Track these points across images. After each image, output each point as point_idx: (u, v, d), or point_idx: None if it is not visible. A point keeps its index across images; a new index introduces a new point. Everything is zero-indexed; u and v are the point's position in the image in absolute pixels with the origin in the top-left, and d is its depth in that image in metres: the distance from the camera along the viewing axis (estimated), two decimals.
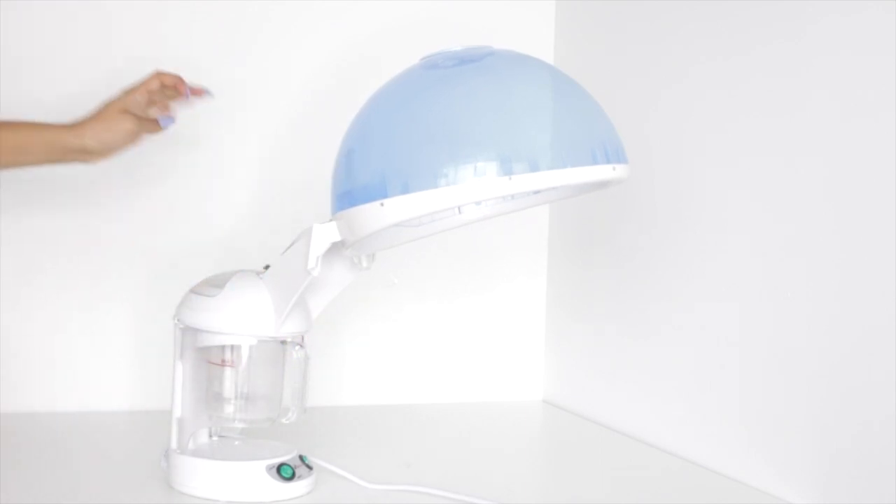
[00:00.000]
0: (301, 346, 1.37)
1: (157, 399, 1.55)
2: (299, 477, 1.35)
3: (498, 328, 1.91)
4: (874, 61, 1.27)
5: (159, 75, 1.44)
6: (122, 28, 1.71)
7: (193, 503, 1.32)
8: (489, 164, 1.16)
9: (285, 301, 1.33)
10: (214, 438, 1.41)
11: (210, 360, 1.37)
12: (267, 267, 1.36)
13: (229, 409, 1.37)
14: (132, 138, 1.44)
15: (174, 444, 1.37)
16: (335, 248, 1.29)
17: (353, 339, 1.82)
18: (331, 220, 1.27)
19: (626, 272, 1.71)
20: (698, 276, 1.56)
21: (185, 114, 1.74)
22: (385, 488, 1.38)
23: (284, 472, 1.34)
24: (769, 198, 1.43)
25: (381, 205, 1.19)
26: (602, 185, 1.28)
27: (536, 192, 1.31)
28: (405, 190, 1.18)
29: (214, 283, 1.36)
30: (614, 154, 1.21)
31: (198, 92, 1.46)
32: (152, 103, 1.43)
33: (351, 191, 1.23)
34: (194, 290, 1.37)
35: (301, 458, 1.37)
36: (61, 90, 1.69)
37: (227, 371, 1.36)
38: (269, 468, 1.33)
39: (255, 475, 1.33)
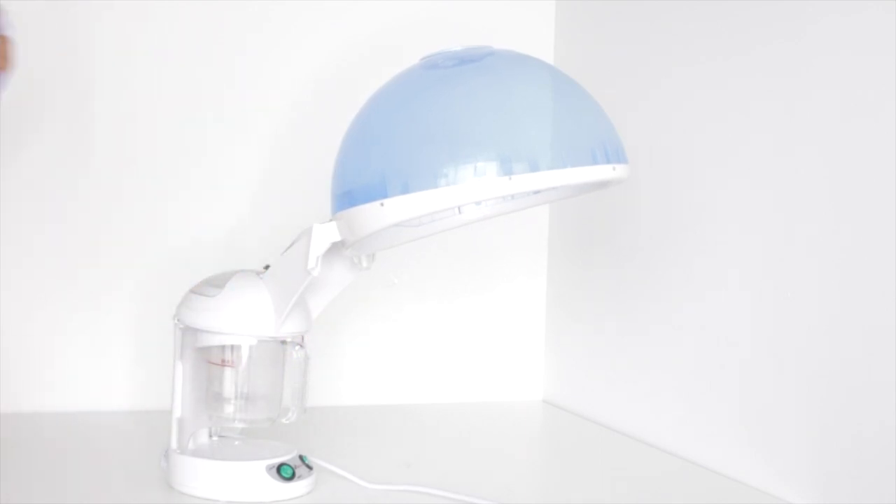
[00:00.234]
0: (301, 346, 1.37)
1: (157, 399, 1.55)
2: (299, 477, 1.35)
3: (498, 328, 1.91)
4: (875, 60, 1.27)
5: None
6: (117, 26, 1.71)
7: (193, 503, 1.32)
8: (489, 164, 1.16)
9: (285, 301, 1.33)
10: (214, 438, 1.41)
11: (210, 360, 1.37)
12: (267, 267, 1.36)
13: (229, 409, 1.37)
14: None
15: (174, 444, 1.37)
16: (335, 248, 1.29)
17: (353, 339, 1.82)
18: (331, 220, 1.27)
19: (627, 272, 1.71)
20: (698, 276, 1.56)
21: (184, 113, 1.75)
22: (385, 488, 1.38)
23: (284, 472, 1.34)
24: (770, 198, 1.43)
25: (381, 205, 1.19)
26: (602, 185, 1.28)
27: (536, 193, 1.31)
28: (405, 190, 1.18)
29: (214, 283, 1.36)
30: (614, 154, 1.21)
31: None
32: None
33: (351, 191, 1.23)
34: (194, 290, 1.37)
35: (301, 458, 1.37)
36: (59, 88, 1.69)
37: (227, 371, 1.36)
38: (269, 468, 1.33)
39: (254, 475, 1.33)
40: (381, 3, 1.81)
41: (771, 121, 1.42)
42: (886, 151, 1.25)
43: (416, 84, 1.25)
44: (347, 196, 1.23)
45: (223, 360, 1.36)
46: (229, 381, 1.36)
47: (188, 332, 1.37)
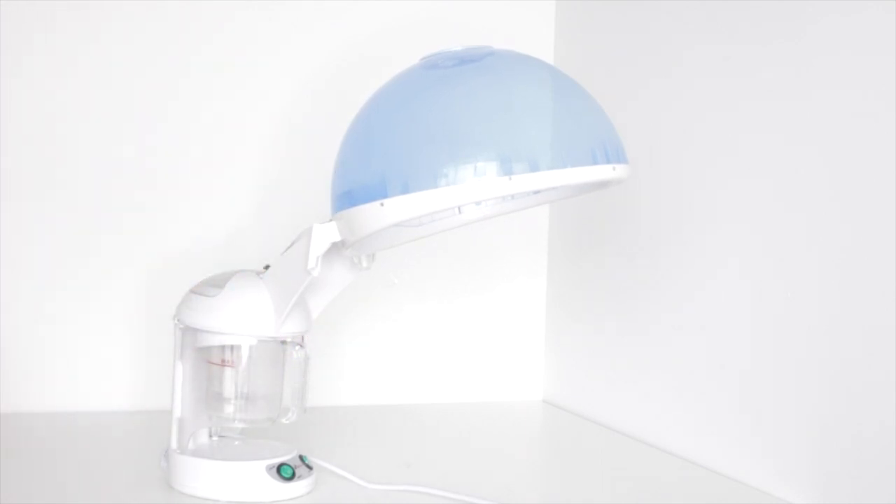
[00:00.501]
0: (301, 346, 1.37)
1: (157, 399, 1.55)
2: (299, 477, 1.35)
3: (498, 328, 1.91)
4: (876, 56, 1.27)
5: None
6: (116, 26, 1.71)
7: (193, 503, 1.32)
8: (489, 164, 1.16)
9: (285, 301, 1.33)
10: (214, 438, 1.41)
11: (210, 360, 1.37)
12: (267, 267, 1.36)
13: (229, 409, 1.37)
14: None
15: (174, 444, 1.37)
16: (335, 248, 1.29)
17: (353, 339, 1.83)
18: (331, 220, 1.27)
19: (627, 272, 1.71)
20: (698, 276, 1.56)
21: (184, 114, 1.75)
22: (385, 488, 1.38)
23: (284, 472, 1.34)
24: (771, 198, 1.42)
25: (381, 205, 1.19)
26: (602, 185, 1.28)
27: (536, 193, 1.31)
28: (405, 190, 1.18)
29: (214, 283, 1.36)
30: (614, 154, 1.21)
31: None
32: None
33: (351, 191, 1.23)
34: (194, 290, 1.37)
35: (301, 458, 1.37)
36: (61, 87, 1.69)
37: (227, 371, 1.36)
38: (268, 468, 1.33)
39: (254, 475, 1.33)
40: (380, 3, 1.81)
41: (771, 121, 1.42)
42: (888, 149, 1.25)
43: (416, 84, 1.25)
44: (347, 196, 1.23)
45: (223, 360, 1.36)
46: (229, 381, 1.36)
47: (188, 332, 1.37)
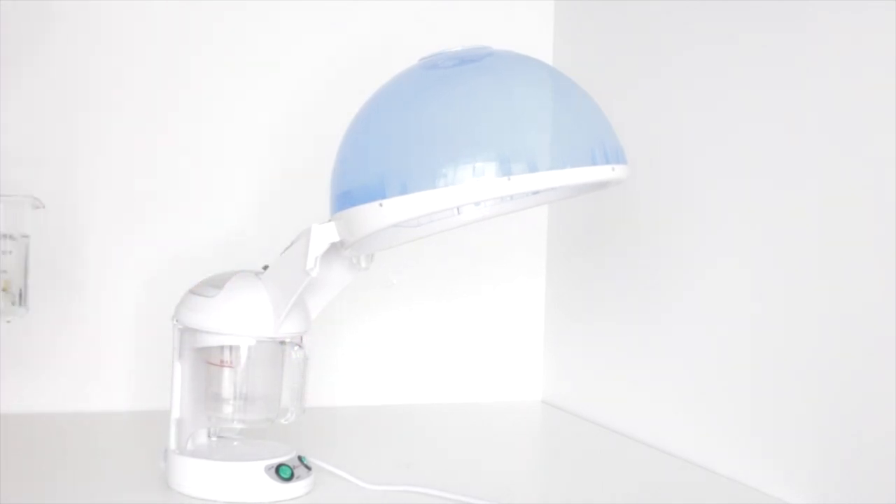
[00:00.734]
0: (300, 346, 1.36)
1: (156, 399, 1.55)
2: (298, 477, 1.35)
3: (497, 328, 1.91)
4: (874, 51, 1.27)
5: None
6: (114, 28, 1.71)
7: (192, 503, 1.32)
8: (488, 165, 1.16)
9: (284, 301, 1.33)
10: (213, 439, 1.41)
11: (209, 361, 1.37)
12: (266, 267, 1.36)
13: (228, 409, 1.37)
14: None
15: (173, 445, 1.37)
16: (334, 249, 1.29)
17: (352, 339, 1.83)
18: (330, 221, 1.27)
19: (626, 273, 1.71)
20: (698, 277, 1.56)
21: (184, 113, 1.75)
22: (384, 489, 1.38)
23: (283, 473, 1.33)
24: (772, 198, 1.42)
25: (380, 205, 1.19)
26: (601, 185, 1.28)
27: (535, 193, 1.31)
28: (404, 190, 1.18)
29: (213, 284, 1.36)
30: (613, 154, 1.21)
31: None
32: None
33: (350, 191, 1.23)
34: (193, 291, 1.37)
35: (300, 458, 1.37)
36: (60, 87, 1.69)
37: (226, 371, 1.36)
38: (267, 469, 1.33)
39: (253, 476, 1.33)
40: (380, 3, 1.81)
41: (771, 121, 1.42)
42: (888, 144, 1.25)
43: (415, 84, 1.25)
44: (346, 196, 1.23)
45: (222, 361, 1.36)
46: (228, 382, 1.36)
47: (187, 333, 1.37)
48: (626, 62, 1.73)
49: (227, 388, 1.36)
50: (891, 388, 1.24)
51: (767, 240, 1.42)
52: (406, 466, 1.50)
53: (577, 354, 1.84)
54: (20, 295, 1.28)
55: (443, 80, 1.23)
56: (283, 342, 1.36)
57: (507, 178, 1.16)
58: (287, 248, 1.33)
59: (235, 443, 1.41)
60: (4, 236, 1.26)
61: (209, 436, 1.41)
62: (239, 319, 1.34)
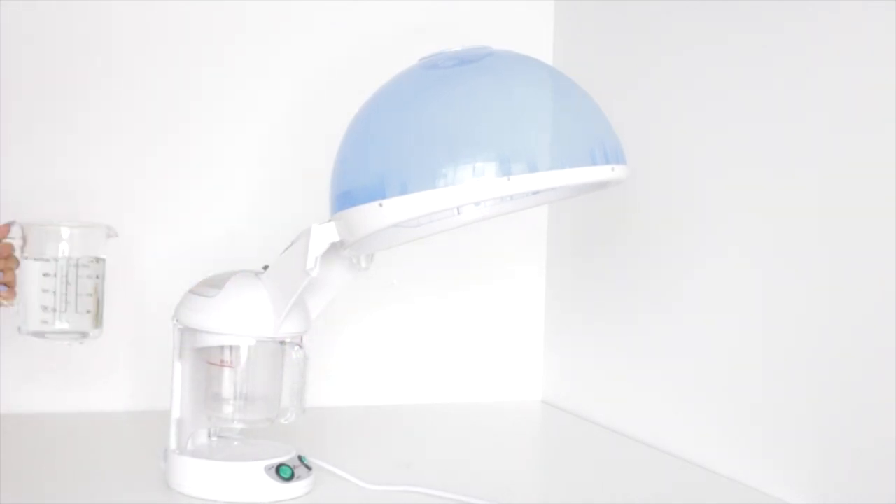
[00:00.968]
0: (300, 346, 1.36)
1: (156, 399, 1.55)
2: (298, 477, 1.35)
3: (497, 329, 1.91)
4: (874, 73, 1.27)
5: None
6: (113, 28, 1.71)
7: (192, 503, 1.32)
8: (488, 165, 1.16)
9: (284, 301, 1.33)
10: (213, 439, 1.41)
11: (209, 361, 1.37)
12: (266, 267, 1.36)
13: (228, 409, 1.37)
14: None
15: (173, 445, 1.37)
16: (334, 249, 1.29)
17: (352, 339, 1.82)
18: (330, 221, 1.27)
19: (626, 273, 1.71)
20: (697, 277, 1.55)
21: (185, 113, 1.75)
22: (384, 489, 1.38)
23: (283, 473, 1.33)
24: (773, 197, 1.42)
25: (380, 205, 1.19)
26: (601, 185, 1.28)
27: (535, 193, 1.31)
28: (404, 190, 1.18)
29: (213, 284, 1.36)
30: (613, 154, 1.21)
31: None
32: None
33: (350, 191, 1.23)
34: (193, 291, 1.37)
35: (300, 458, 1.37)
36: (59, 87, 1.69)
37: (226, 371, 1.36)
38: (267, 468, 1.33)
39: (253, 475, 1.33)
40: (380, 3, 1.81)
41: (771, 120, 1.42)
42: (890, 145, 1.25)
43: (415, 84, 1.25)
44: (346, 196, 1.23)
45: (222, 361, 1.36)
46: (228, 382, 1.36)
47: (187, 333, 1.37)
48: (626, 62, 1.72)
49: (227, 388, 1.36)
50: (891, 388, 1.24)
51: (768, 239, 1.42)
52: (406, 466, 1.50)
53: (577, 354, 1.84)
54: (99, 316, 1.35)
55: (443, 80, 1.23)
56: (283, 342, 1.36)
57: (507, 178, 1.16)
58: (287, 248, 1.33)
59: (235, 443, 1.41)
60: (94, 260, 1.33)
61: (209, 436, 1.41)
62: (239, 319, 1.34)
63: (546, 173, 1.17)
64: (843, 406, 1.31)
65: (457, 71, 1.24)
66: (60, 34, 1.69)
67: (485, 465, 1.54)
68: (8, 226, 1.35)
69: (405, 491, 1.38)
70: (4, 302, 1.35)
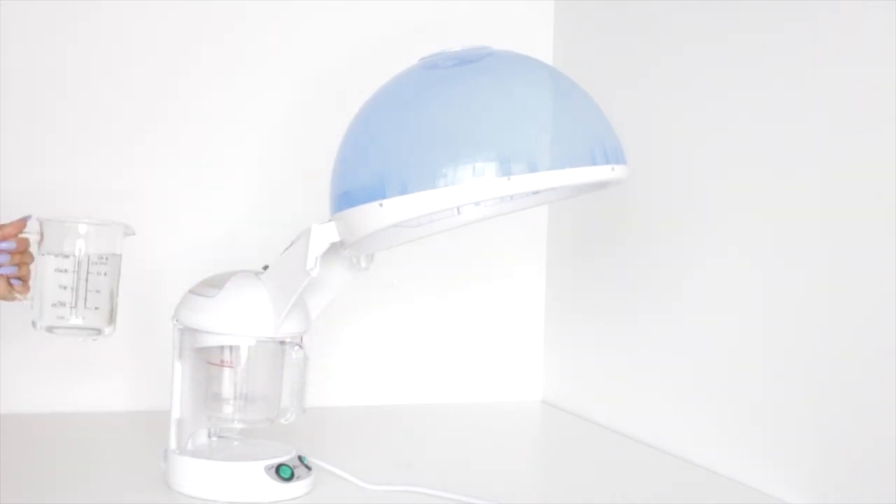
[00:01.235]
0: (300, 346, 1.36)
1: (156, 399, 1.55)
2: (298, 477, 1.35)
3: (497, 329, 1.91)
4: (874, 73, 1.27)
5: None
6: (113, 26, 1.71)
7: (192, 503, 1.32)
8: (488, 165, 1.16)
9: (284, 301, 1.33)
10: (213, 439, 1.41)
11: (209, 361, 1.37)
12: (266, 267, 1.36)
13: (228, 409, 1.37)
14: None
15: (173, 445, 1.37)
16: (334, 249, 1.29)
17: (352, 339, 1.82)
18: (330, 221, 1.27)
19: (626, 273, 1.71)
20: (697, 276, 1.55)
21: (185, 113, 1.75)
22: (384, 489, 1.38)
23: (283, 473, 1.34)
24: (774, 197, 1.42)
25: (380, 205, 1.19)
26: (601, 185, 1.28)
27: (535, 193, 1.31)
28: (404, 190, 1.18)
29: (213, 284, 1.36)
30: (613, 155, 1.21)
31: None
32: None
33: (350, 191, 1.23)
34: (193, 291, 1.37)
35: (300, 458, 1.37)
36: (59, 87, 1.69)
37: (226, 371, 1.36)
38: (267, 468, 1.33)
39: (253, 475, 1.33)
40: (380, 3, 1.81)
41: (770, 120, 1.42)
42: (890, 145, 1.25)
43: (415, 84, 1.25)
44: (346, 196, 1.23)
45: (222, 361, 1.36)
46: (228, 382, 1.36)
47: (187, 333, 1.37)
48: (626, 62, 1.72)
49: (227, 388, 1.36)
50: (891, 388, 1.24)
51: (768, 239, 1.42)
52: (406, 466, 1.50)
53: (577, 354, 1.84)
54: (113, 313, 1.35)
55: (443, 80, 1.23)
56: (283, 342, 1.36)
57: (507, 178, 1.16)
58: (287, 248, 1.33)
59: (235, 443, 1.41)
60: (111, 257, 1.35)
61: (209, 436, 1.41)
62: (239, 319, 1.34)
63: (546, 173, 1.17)
64: (843, 406, 1.31)
65: (457, 71, 1.24)
66: (65, 34, 1.69)
67: (485, 465, 1.54)
68: (25, 220, 1.35)
69: (405, 491, 1.38)
70: (19, 296, 1.36)
